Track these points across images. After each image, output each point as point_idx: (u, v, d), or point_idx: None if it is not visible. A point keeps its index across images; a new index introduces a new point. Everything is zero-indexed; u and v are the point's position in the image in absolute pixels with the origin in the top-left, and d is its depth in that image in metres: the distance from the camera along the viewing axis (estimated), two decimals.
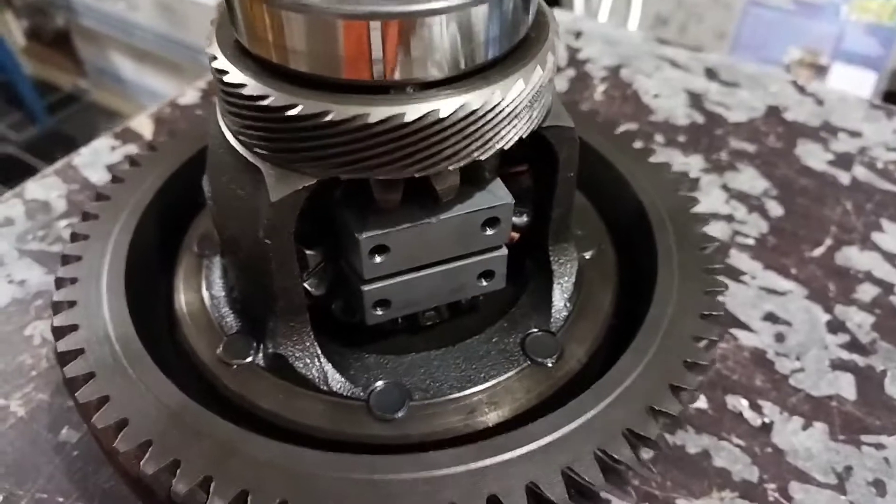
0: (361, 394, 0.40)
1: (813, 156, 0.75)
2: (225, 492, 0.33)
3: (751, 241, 0.66)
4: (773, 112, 0.81)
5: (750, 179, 0.72)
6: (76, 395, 0.38)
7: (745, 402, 0.53)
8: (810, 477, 0.48)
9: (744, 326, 0.58)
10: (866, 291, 0.61)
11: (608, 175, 0.52)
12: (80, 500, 0.46)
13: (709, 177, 0.73)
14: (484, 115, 0.33)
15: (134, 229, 0.47)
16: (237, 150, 0.37)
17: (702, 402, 0.53)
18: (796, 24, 1.69)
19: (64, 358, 0.40)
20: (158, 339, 0.46)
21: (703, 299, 0.43)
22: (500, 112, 0.34)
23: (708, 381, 0.54)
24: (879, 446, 0.50)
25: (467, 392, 0.41)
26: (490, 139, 0.35)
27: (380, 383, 0.41)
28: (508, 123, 0.35)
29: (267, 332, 0.41)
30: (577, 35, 0.94)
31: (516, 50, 0.36)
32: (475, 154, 0.35)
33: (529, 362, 0.42)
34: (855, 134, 0.78)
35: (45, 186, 0.71)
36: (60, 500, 0.46)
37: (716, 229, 0.67)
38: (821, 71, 1.68)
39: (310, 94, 0.32)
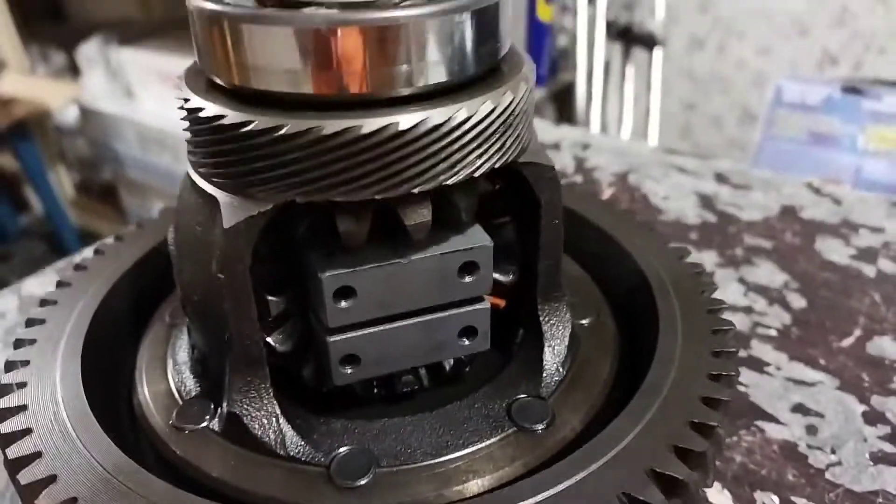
0: (322, 459, 0.36)
1: (834, 251, 0.72)
2: None
3: (773, 333, 0.61)
4: (789, 211, 0.79)
5: (768, 273, 0.69)
6: (6, 450, 0.34)
7: (776, 499, 0.46)
8: None
9: (771, 418, 0.52)
10: None
11: (605, 244, 0.50)
12: None
13: (724, 271, 0.69)
14: (448, 132, 0.32)
15: (102, 298, 0.45)
16: (197, 185, 0.35)
17: (726, 500, 0.46)
18: (814, 155, 1.71)
19: (4, 415, 0.36)
20: (117, 409, 0.42)
21: (711, 359, 0.39)
22: (466, 132, 0.32)
23: (733, 475, 0.48)
24: None
25: (443, 459, 0.36)
26: (457, 162, 0.33)
27: (344, 449, 0.36)
28: (477, 147, 0.33)
29: (223, 390, 0.37)
30: (585, 147, 0.95)
31: (487, 77, 0.35)
32: (441, 177, 0.33)
33: (516, 428, 0.38)
34: (877, 230, 0.75)
35: (42, 283, 0.70)
36: None
37: (734, 320, 0.62)
38: None
39: (266, 111, 0.31)
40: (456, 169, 0.33)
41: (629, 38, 2.11)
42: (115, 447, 0.34)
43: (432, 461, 0.36)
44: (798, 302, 0.64)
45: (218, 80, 0.34)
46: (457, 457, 0.36)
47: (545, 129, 1.01)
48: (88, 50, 2.46)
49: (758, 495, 0.47)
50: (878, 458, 0.48)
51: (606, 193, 0.84)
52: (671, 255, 0.48)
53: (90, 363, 0.41)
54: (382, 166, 0.31)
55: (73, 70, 2.77)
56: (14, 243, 3.23)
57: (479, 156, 0.33)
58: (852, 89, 1.67)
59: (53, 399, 0.37)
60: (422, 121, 0.31)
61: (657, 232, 0.51)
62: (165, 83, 2.26)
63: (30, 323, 0.43)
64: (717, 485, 0.47)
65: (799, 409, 0.53)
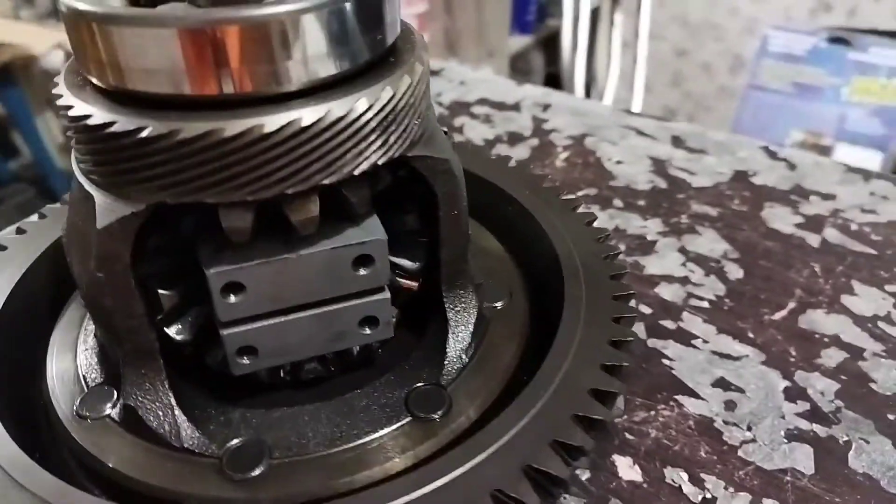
0: (216, 451, 0.37)
1: (780, 219, 0.72)
2: None
3: (706, 304, 0.61)
4: (741, 177, 0.78)
5: (709, 242, 0.68)
6: None
7: (685, 476, 0.47)
8: None
9: (691, 393, 0.53)
10: (832, 356, 0.56)
11: (525, 225, 0.50)
12: None
13: (666, 240, 0.69)
14: (318, 133, 0.31)
15: (17, 280, 0.45)
16: (79, 181, 0.35)
17: (636, 475, 0.47)
18: (797, 107, 1.68)
19: None
20: (28, 398, 0.43)
21: (607, 350, 0.39)
22: (339, 132, 0.32)
23: (646, 451, 0.49)
24: None
25: (334, 450, 0.37)
26: (332, 162, 0.32)
27: (237, 440, 0.37)
28: (354, 147, 0.33)
29: (120, 382, 0.38)
30: (545, 107, 0.94)
31: (371, 68, 0.34)
32: (317, 178, 0.32)
33: (411, 417, 0.38)
34: (828, 197, 0.75)
35: None
36: None
37: (668, 292, 0.63)
38: (824, 151, 1.65)
39: (132, 112, 0.31)
40: (332, 169, 0.32)
41: None
42: (11, 440, 0.35)
43: (324, 452, 0.37)
44: (735, 273, 0.65)
45: (93, 80, 0.33)
46: (348, 448, 0.37)
47: (508, 90, 0.99)
48: None
49: (668, 471, 0.48)
50: (793, 436, 0.49)
51: (561, 157, 0.83)
52: (588, 235, 0.48)
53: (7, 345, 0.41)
54: (250, 169, 0.31)
55: (58, 14, 2.72)
56: (4, 189, 3.23)
57: (357, 154, 0.33)
58: (839, 40, 1.64)
59: None
60: (289, 122, 0.30)
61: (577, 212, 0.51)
62: None
63: None
64: (628, 460, 0.48)
65: (720, 383, 0.54)
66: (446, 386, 0.40)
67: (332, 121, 0.31)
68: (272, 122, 0.30)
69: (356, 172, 0.33)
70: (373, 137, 0.33)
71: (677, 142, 0.85)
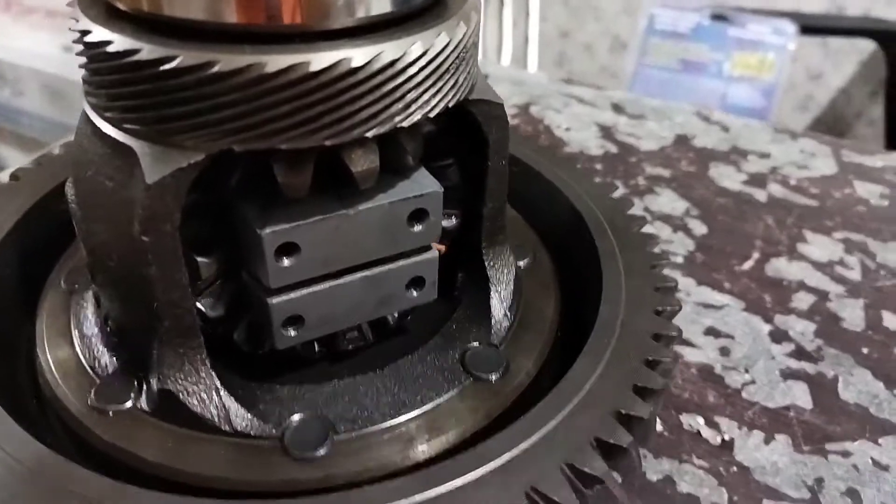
0: (274, 431, 0.33)
1: (727, 177, 0.75)
2: None
3: (680, 260, 0.63)
4: (683, 140, 0.81)
5: (669, 202, 0.71)
6: None
7: (700, 420, 0.49)
8: (782, 494, 0.44)
9: (687, 343, 0.55)
10: (802, 300, 0.59)
11: (535, 185, 0.49)
12: None
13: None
14: (404, 68, 0.28)
15: None
16: (104, 132, 0.30)
17: (657, 425, 0.48)
18: (684, 82, 1.78)
19: None
20: (20, 395, 0.37)
21: (655, 295, 0.39)
22: (423, 67, 0.29)
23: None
24: (846, 453, 0.46)
25: (403, 418, 0.34)
26: (412, 101, 0.30)
27: (296, 417, 0.34)
28: (432, 85, 0.30)
29: (151, 365, 0.33)
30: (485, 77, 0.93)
31: (435, 6, 0.31)
32: (396, 119, 0.30)
33: (472, 379, 0.36)
34: (764, 155, 0.79)
35: None
36: None
37: None
38: None
39: (191, 45, 0.26)
40: (411, 109, 0.30)
41: None
42: (35, 440, 0.30)
43: (392, 422, 0.34)
44: (699, 229, 0.67)
45: (121, 6, 0.28)
46: (417, 414, 0.34)
47: None
48: None
49: (684, 418, 0.49)
50: (787, 375, 0.52)
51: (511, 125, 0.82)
52: (600, 190, 0.48)
53: None
54: (334, 108, 0.28)
55: None
56: None
57: (435, 94, 0.31)
58: (720, 17, 1.75)
59: None
60: (376, 56, 0.27)
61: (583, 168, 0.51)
62: None
63: None
64: None
65: (711, 331, 0.56)
66: (499, 345, 0.39)
67: (416, 56, 0.29)
68: (358, 55, 0.27)
69: (431, 114, 0.31)
70: (447, 76, 0.31)
71: (617, 109, 0.87)
